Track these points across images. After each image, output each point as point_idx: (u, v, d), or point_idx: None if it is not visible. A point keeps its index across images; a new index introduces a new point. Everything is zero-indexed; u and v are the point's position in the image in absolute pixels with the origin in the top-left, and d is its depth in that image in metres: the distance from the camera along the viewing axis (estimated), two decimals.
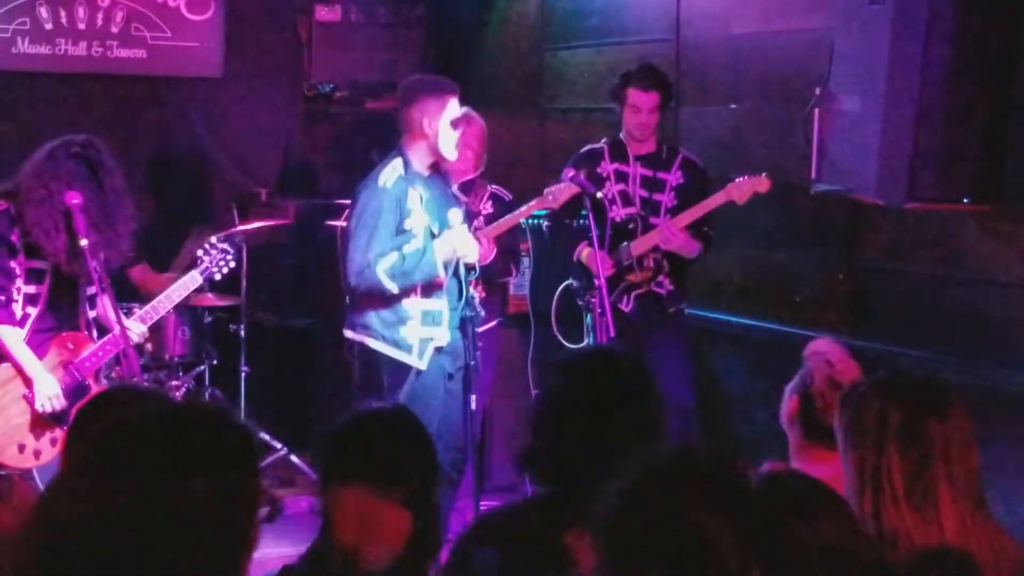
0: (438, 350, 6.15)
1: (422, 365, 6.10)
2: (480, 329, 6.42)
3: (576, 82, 8.43)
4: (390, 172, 6.10)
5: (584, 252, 6.73)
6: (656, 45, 7.73)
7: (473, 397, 6.06)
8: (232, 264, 6.28)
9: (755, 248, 7.16)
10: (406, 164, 6.13)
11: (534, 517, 3.20)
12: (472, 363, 6.02)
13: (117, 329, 5.77)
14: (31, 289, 5.80)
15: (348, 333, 6.21)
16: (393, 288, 5.94)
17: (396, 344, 6.08)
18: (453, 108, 6.13)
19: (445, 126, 6.09)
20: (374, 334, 6.10)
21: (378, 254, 5.94)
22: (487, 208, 6.70)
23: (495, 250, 6.58)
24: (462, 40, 9.44)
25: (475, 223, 6.62)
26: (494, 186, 6.79)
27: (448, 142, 6.11)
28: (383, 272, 5.93)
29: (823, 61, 6.38)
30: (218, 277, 6.30)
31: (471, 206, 6.66)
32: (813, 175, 6.39)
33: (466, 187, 6.74)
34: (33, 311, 5.81)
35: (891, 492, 2.90)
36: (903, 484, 2.90)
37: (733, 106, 7.27)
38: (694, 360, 6.90)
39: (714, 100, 7.41)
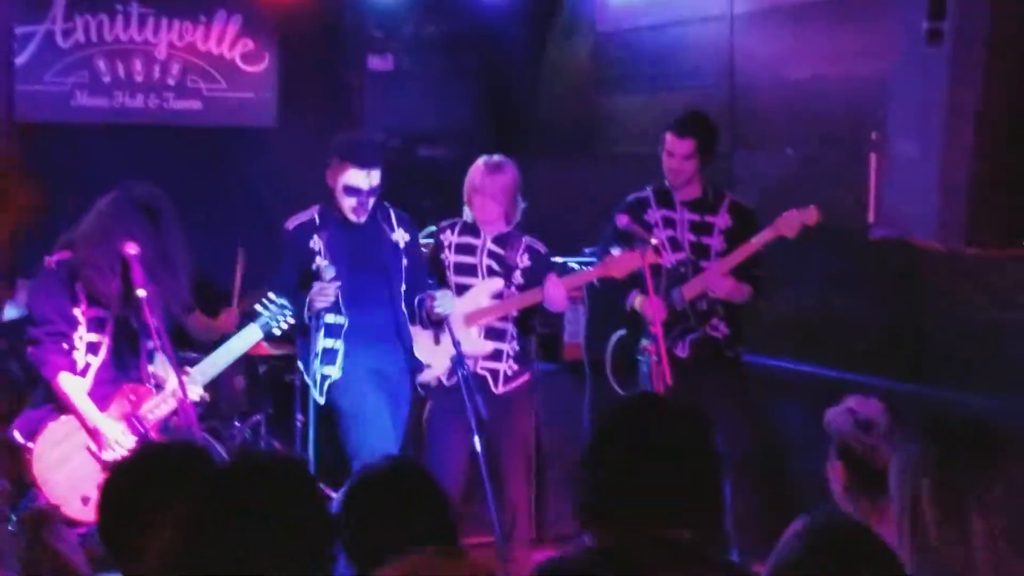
0: (333, 386, 6.36)
1: (321, 400, 6.39)
2: (517, 383, 6.60)
3: (630, 127, 8.42)
4: (300, 216, 6.46)
5: (638, 300, 6.68)
6: (710, 90, 7.72)
7: (476, 439, 6.14)
8: (291, 319, 6.26)
9: (813, 294, 7.10)
10: (322, 211, 6.40)
11: (591, 567, 3.16)
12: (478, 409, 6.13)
13: (176, 383, 5.77)
14: (93, 338, 5.83)
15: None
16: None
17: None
18: (349, 176, 6.29)
19: (339, 190, 6.32)
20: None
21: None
22: (524, 261, 6.65)
23: (567, 300, 6.57)
24: (515, 87, 9.45)
25: (513, 277, 6.60)
26: (528, 237, 6.73)
27: (343, 204, 6.34)
28: None
29: (878, 104, 6.34)
30: (277, 332, 6.29)
31: (508, 259, 6.63)
32: (871, 219, 6.34)
33: (502, 240, 6.69)
34: (95, 360, 5.83)
35: (923, 536, 2.83)
36: (936, 529, 2.82)
37: (788, 151, 7.24)
38: (752, 407, 6.82)
39: (769, 145, 7.38)
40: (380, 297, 6.40)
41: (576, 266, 7.61)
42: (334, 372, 6.36)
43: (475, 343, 6.56)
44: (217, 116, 8.79)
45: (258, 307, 6.22)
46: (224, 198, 8.83)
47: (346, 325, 6.32)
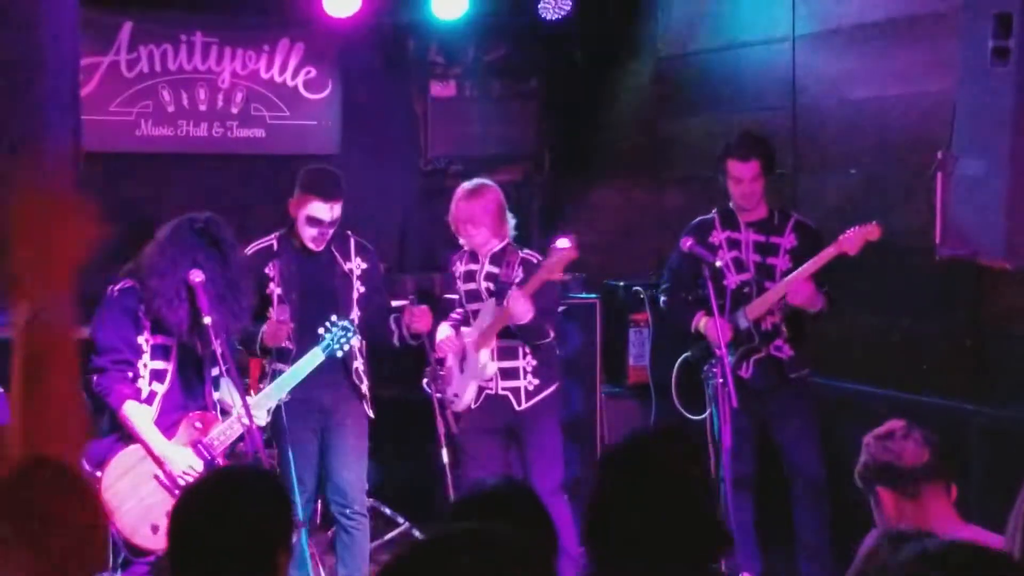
0: (284, 406, 6.40)
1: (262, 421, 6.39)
2: (540, 397, 6.66)
3: (692, 150, 8.40)
4: (259, 243, 6.64)
5: (702, 321, 6.65)
6: (772, 112, 7.69)
7: (444, 451, 6.35)
8: (353, 341, 6.32)
9: (879, 315, 7.04)
10: (281, 238, 6.60)
11: None
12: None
13: (242, 409, 5.79)
14: (158, 365, 5.86)
15: None
16: None
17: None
18: (312, 208, 6.49)
19: (302, 221, 6.52)
20: None
21: None
22: (518, 275, 6.67)
23: (532, 310, 6.53)
24: (577, 111, 9.45)
25: (511, 291, 6.60)
26: (526, 251, 6.75)
27: (304, 234, 6.54)
28: None
29: (943, 123, 6.29)
30: (339, 354, 6.33)
31: (503, 277, 6.65)
32: (937, 239, 6.27)
33: (497, 259, 6.72)
34: (160, 388, 5.86)
35: None
36: None
37: (852, 171, 7.19)
38: (818, 430, 6.75)
39: (833, 166, 7.33)
40: (326, 326, 6.46)
41: (640, 288, 7.60)
42: (282, 396, 6.43)
43: (485, 367, 6.68)
44: (280, 144, 8.84)
45: (321, 330, 6.27)
46: (287, 226, 8.87)
47: (294, 351, 6.43)
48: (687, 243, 6.52)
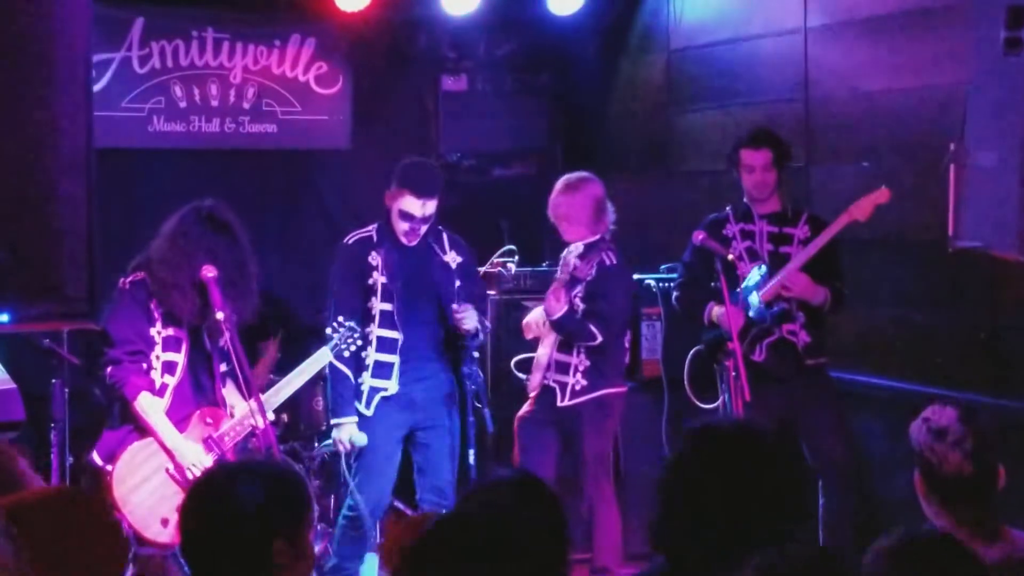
0: (386, 400, 6.51)
1: (368, 412, 6.51)
2: (584, 399, 6.66)
3: (704, 144, 8.38)
4: (360, 232, 6.65)
5: (715, 311, 6.65)
6: (784, 104, 7.67)
7: (472, 452, 6.41)
8: (360, 342, 6.34)
9: (893, 308, 7.02)
10: (380, 229, 6.59)
11: None
12: (471, 420, 6.43)
13: (250, 407, 5.80)
14: (169, 357, 5.87)
15: None
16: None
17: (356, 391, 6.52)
18: (405, 203, 6.48)
19: (395, 214, 6.52)
20: None
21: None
22: (591, 274, 6.66)
23: (560, 310, 6.59)
24: (588, 105, 9.45)
25: (576, 289, 6.66)
26: (605, 252, 6.73)
27: (397, 228, 6.54)
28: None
29: (956, 115, 6.28)
30: (347, 354, 6.35)
31: (579, 272, 6.64)
32: (951, 232, 6.26)
33: (583, 254, 6.70)
34: (171, 380, 5.87)
35: None
36: None
37: (865, 164, 7.17)
38: (841, 417, 6.72)
39: (845, 158, 7.31)
40: (428, 317, 6.58)
41: (652, 282, 7.59)
42: (390, 385, 6.51)
43: (540, 352, 6.81)
44: (292, 139, 8.85)
45: (328, 330, 6.28)
46: (299, 220, 8.89)
47: (401, 340, 6.49)
48: (699, 237, 6.53)
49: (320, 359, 6.28)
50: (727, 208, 6.86)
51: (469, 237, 6.98)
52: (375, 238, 6.59)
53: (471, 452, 6.40)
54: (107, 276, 7.24)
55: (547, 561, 3.03)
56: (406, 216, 6.48)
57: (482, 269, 7.86)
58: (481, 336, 6.60)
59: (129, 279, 5.89)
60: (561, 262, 6.69)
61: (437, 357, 6.61)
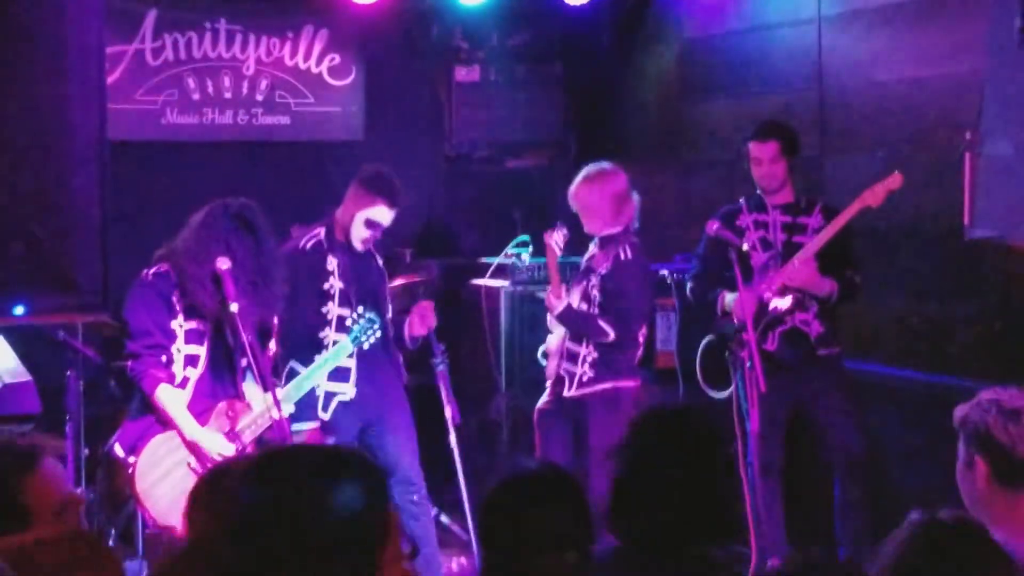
0: (344, 404, 6.50)
1: (326, 416, 6.49)
2: (589, 390, 6.63)
3: (717, 134, 8.36)
4: (311, 236, 6.61)
5: (727, 298, 6.63)
6: (798, 94, 7.65)
7: (452, 436, 6.41)
8: (378, 333, 6.34)
9: (908, 298, 7.01)
10: (328, 232, 6.57)
11: (609, 569, 3.18)
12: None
13: (271, 400, 5.80)
14: (191, 350, 5.85)
15: None
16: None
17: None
18: (376, 212, 6.47)
19: (358, 221, 6.49)
20: None
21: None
22: (607, 267, 6.64)
23: (560, 307, 6.62)
24: (601, 95, 9.43)
25: (590, 279, 6.66)
26: (623, 246, 6.69)
27: (357, 234, 6.51)
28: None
29: (972, 105, 6.26)
30: (366, 346, 6.35)
31: (594, 263, 6.63)
32: (966, 221, 6.24)
33: (605, 242, 6.69)
34: (193, 373, 5.86)
35: None
36: None
37: (880, 153, 7.15)
38: (856, 407, 6.70)
39: (860, 148, 7.29)
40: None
41: (666, 273, 7.58)
42: (348, 390, 6.50)
43: (550, 339, 6.82)
44: (305, 130, 8.85)
45: (348, 322, 6.27)
46: (313, 212, 8.87)
47: (379, 322, 6.48)
48: (713, 226, 6.50)
49: (339, 352, 6.28)
50: (740, 199, 6.83)
51: (482, 227, 6.98)
52: (325, 243, 6.58)
53: (452, 436, 6.41)
54: (121, 268, 7.25)
55: (571, 553, 3.04)
56: (372, 225, 6.48)
57: (496, 260, 7.86)
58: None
59: (152, 271, 5.87)
60: (590, 252, 6.73)
61: (386, 357, 6.62)
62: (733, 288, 6.38)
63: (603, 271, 6.62)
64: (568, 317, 6.61)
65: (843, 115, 7.44)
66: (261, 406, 5.89)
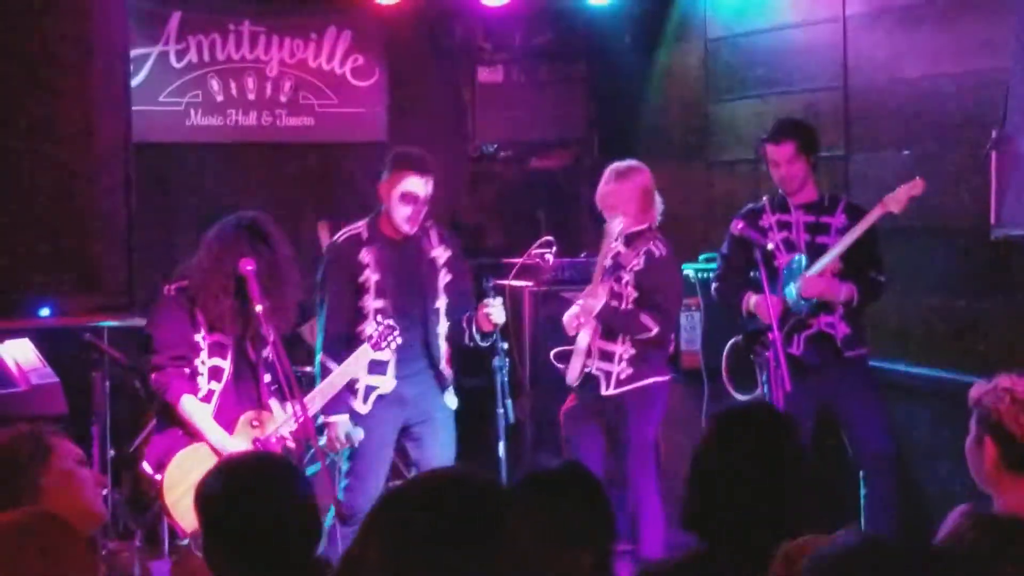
0: (381, 397, 6.40)
1: (364, 409, 6.40)
2: (629, 388, 6.59)
3: (741, 133, 8.34)
4: (348, 230, 6.53)
5: (752, 300, 6.60)
6: (823, 93, 7.62)
7: (501, 444, 6.28)
8: (399, 339, 6.28)
9: (934, 296, 6.97)
10: (370, 225, 6.49)
11: (693, 572, 3.15)
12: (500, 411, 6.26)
13: (297, 408, 5.79)
14: (215, 363, 5.86)
15: None
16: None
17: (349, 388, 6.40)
18: (408, 183, 6.37)
19: (395, 201, 6.38)
20: None
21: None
22: (640, 264, 6.62)
23: (597, 307, 6.57)
24: (625, 95, 9.42)
25: (622, 275, 6.60)
26: (654, 242, 6.67)
27: (398, 214, 6.38)
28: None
29: (998, 103, 6.23)
30: (387, 352, 6.31)
31: (623, 259, 6.61)
32: (992, 219, 6.22)
33: (630, 239, 6.67)
34: (217, 387, 5.85)
35: None
36: None
37: (906, 152, 7.12)
38: (883, 407, 6.68)
39: (886, 146, 7.26)
40: (417, 313, 6.49)
41: (690, 272, 7.56)
42: (386, 383, 6.42)
43: (581, 337, 6.68)
44: (329, 132, 8.87)
45: (369, 329, 6.24)
46: (337, 212, 8.89)
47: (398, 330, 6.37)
48: (738, 226, 6.47)
49: (361, 357, 6.23)
50: (764, 198, 6.81)
51: (506, 228, 6.97)
52: (365, 235, 6.50)
53: (501, 444, 6.28)
54: (146, 270, 7.28)
55: (593, 551, 3.04)
56: (409, 198, 6.37)
57: (520, 261, 7.85)
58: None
59: (174, 285, 5.87)
60: (603, 248, 6.67)
61: (425, 354, 6.52)
62: (759, 288, 6.35)
63: (637, 267, 6.60)
64: (610, 314, 6.57)
65: (868, 114, 7.41)
66: (284, 415, 5.89)
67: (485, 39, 9.32)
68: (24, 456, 3.52)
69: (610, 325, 6.62)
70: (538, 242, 7.98)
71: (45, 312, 7.05)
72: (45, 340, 7.04)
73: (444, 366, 6.56)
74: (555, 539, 3.03)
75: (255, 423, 5.90)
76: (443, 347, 6.55)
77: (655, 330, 6.54)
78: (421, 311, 6.49)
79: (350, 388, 6.35)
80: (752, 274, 6.44)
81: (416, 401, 6.50)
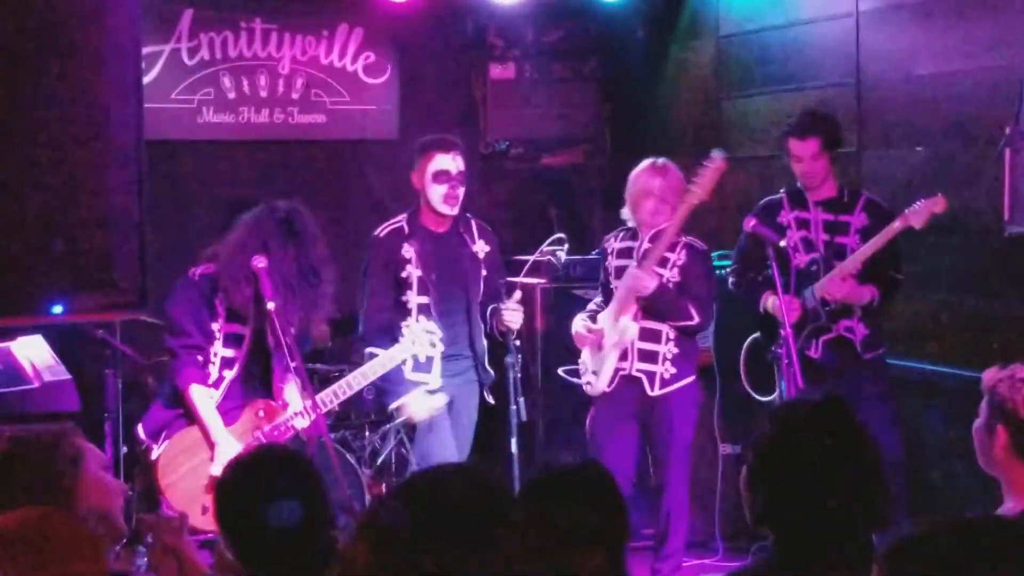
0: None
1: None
2: (675, 387, 6.54)
3: (754, 129, 8.33)
4: (390, 224, 6.58)
5: (769, 301, 6.58)
6: (836, 89, 7.61)
7: (514, 440, 6.30)
8: (439, 345, 6.24)
9: (947, 294, 6.96)
10: (410, 219, 6.51)
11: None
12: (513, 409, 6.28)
13: (301, 403, 5.81)
14: (229, 353, 5.87)
15: None
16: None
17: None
18: (438, 162, 6.41)
19: (429, 183, 6.40)
20: None
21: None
22: (681, 259, 6.57)
23: (653, 283, 6.45)
24: (637, 92, 9.41)
25: (669, 272, 6.55)
26: (690, 237, 6.64)
27: (435, 196, 6.40)
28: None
29: (1011, 99, 6.21)
30: (422, 357, 6.28)
31: (652, 255, 6.56)
32: (1006, 217, 6.21)
33: (656, 237, 6.62)
34: (229, 375, 5.88)
35: None
36: None
37: (918, 148, 7.10)
38: (896, 412, 6.66)
39: (898, 143, 7.24)
40: (460, 308, 6.51)
41: None
42: (432, 380, 6.41)
43: (630, 326, 6.52)
44: (341, 129, 8.87)
45: (405, 329, 6.22)
46: (348, 210, 8.90)
47: (440, 334, 6.34)
48: (750, 223, 6.44)
49: (385, 362, 6.20)
50: (781, 191, 6.78)
51: (518, 225, 6.95)
52: (406, 229, 6.52)
53: (513, 441, 6.30)
54: (158, 267, 7.28)
55: (606, 550, 3.02)
56: (442, 176, 6.39)
57: (531, 258, 7.84)
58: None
59: (199, 271, 5.89)
60: (641, 247, 6.61)
61: (469, 349, 6.56)
62: (774, 288, 6.30)
63: (681, 261, 6.55)
64: (663, 294, 6.44)
65: (881, 110, 7.39)
66: (298, 405, 5.90)
67: (497, 36, 9.32)
68: (63, 460, 3.48)
69: (657, 306, 6.48)
70: (550, 239, 7.97)
71: (58, 309, 7.05)
72: (58, 337, 7.05)
73: (486, 363, 6.58)
74: (567, 538, 3.01)
75: (261, 413, 5.92)
76: (485, 343, 6.56)
77: (697, 320, 6.50)
78: (466, 308, 6.50)
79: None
80: (766, 272, 6.41)
81: (454, 402, 6.51)
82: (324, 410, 5.95)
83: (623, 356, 6.56)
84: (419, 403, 6.35)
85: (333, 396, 6.07)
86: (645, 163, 6.73)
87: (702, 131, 8.90)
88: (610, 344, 6.57)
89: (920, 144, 7.11)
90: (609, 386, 6.59)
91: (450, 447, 6.47)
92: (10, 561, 2.81)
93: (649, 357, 6.55)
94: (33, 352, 6.68)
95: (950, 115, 6.91)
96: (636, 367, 6.55)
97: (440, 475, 2.45)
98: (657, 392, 6.53)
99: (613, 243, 6.77)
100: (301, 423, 5.87)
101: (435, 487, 2.36)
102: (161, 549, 3.59)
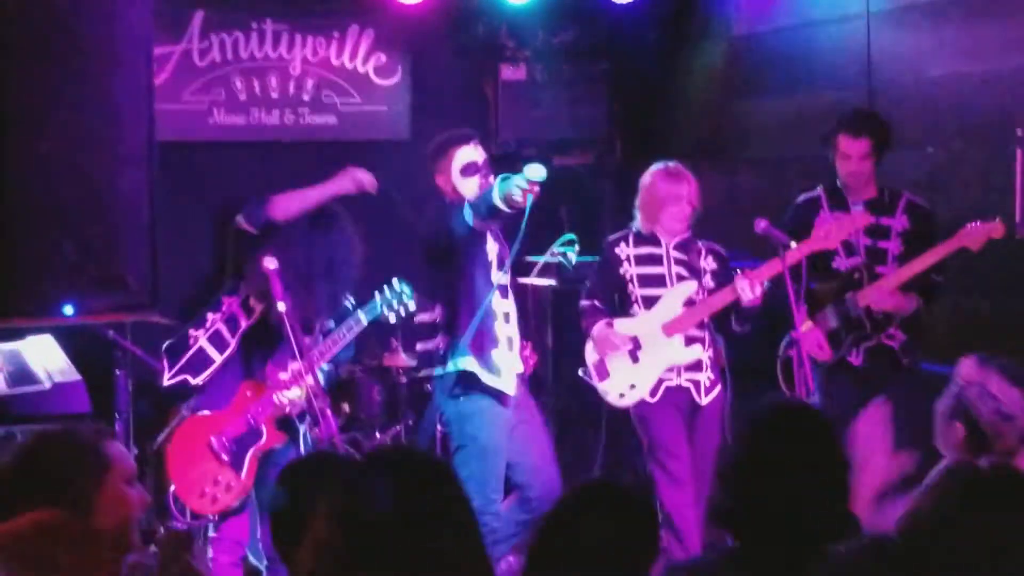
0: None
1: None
2: (715, 394, 6.51)
3: (765, 131, 8.32)
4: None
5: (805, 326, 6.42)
6: (847, 91, 7.60)
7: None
8: (410, 303, 6.27)
9: (959, 296, 6.93)
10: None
11: (722, 571, 3.12)
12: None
13: (310, 382, 5.86)
14: (225, 331, 6.07)
15: None
16: None
17: None
18: (462, 156, 6.27)
19: (457, 179, 6.24)
20: None
21: None
22: (710, 264, 6.52)
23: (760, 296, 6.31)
24: (648, 93, 9.40)
25: (703, 281, 6.50)
26: (705, 241, 6.59)
27: (469, 190, 6.21)
28: None
29: (1022, 99, 6.20)
30: (392, 319, 6.31)
31: (694, 264, 6.51)
32: (1018, 218, 6.19)
33: (683, 247, 6.55)
34: (217, 356, 6.21)
35: None
36: None
37: (930, 150, 7.09)
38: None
39: (910, 144, 7.22)
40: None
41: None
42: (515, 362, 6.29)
43: (680, 352, 6.44)
44: (352, 130, 8.87)
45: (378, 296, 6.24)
46: (360, 211, 8.89)
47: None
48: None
49: (362, 317, 6.24)
50: (818, 188, 6.63)
51: (528, 226, 6.90)
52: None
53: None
54: (169, 268, 7.28)
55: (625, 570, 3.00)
56: (471, 168, 6.26)
57: (542, 259, 7.84)
58: None
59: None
60: (623, 253, 6.58)
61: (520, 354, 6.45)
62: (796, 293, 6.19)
63: (712, 267, 6.52)
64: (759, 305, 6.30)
65: (893, 112, 7.36)
66: (293, 394, 6.00)
67: (508, 37, 9.31)
68: (86, 469, 3.39)
69: (748, 314, 6.36)
70: (560, 240, 7.97)
71: (68, 310, 7.05)
72: (68, 338, 7.06)
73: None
74: (595, 561, 2.98)
75: (248, 392, 6.07)
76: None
77: (746, 328, 6.47)
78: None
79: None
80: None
81: (520, 399, 6.31)
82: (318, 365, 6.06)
83: (668, 367, 6.46)
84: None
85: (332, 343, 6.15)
86: (658, 168, 6.63)
87: (713, 132, 8.91)
88: (655, 359, 6.44)
89: (931, 146, 7.10)
90: (653, 396, 6.46)
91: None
92: (20, 565, 2.80)
93: (693, 367, 6.48)
94: (44, 353, 6.70)
95: (962, 117, 6.90)
96: (685, 377, 6.46)
97: (392, 456, 2.49)
98: (705, 401, 6.47)
99: (626, 249, 6.62)
100: (296, 393, 5.93)
101: (390, 467, 2.39)
102: (169, 563, 3.58)
